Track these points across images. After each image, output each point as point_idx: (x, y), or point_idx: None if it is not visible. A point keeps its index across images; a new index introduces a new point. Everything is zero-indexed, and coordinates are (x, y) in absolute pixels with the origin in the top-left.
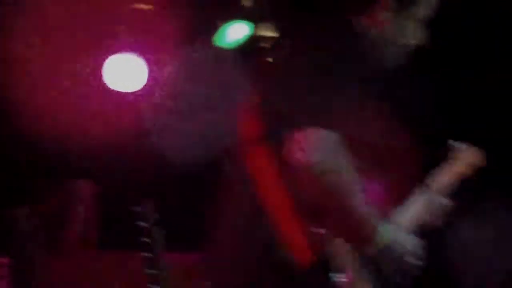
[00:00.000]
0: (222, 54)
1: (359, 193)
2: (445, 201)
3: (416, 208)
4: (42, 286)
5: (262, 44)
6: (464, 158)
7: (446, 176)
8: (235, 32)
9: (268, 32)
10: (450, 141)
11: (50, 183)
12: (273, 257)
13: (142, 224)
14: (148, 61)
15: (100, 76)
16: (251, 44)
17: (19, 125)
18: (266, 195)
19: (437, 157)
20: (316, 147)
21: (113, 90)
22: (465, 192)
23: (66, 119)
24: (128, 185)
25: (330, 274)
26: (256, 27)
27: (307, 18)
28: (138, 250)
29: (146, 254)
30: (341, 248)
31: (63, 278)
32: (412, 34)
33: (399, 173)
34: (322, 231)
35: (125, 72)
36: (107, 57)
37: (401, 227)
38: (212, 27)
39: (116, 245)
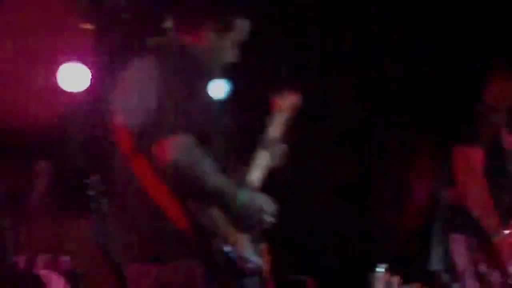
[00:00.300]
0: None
1: (213, 172)
2: (281, 146)
3: (262, 162)
4: (10, 245)
5: None
6: (286, 105)
7: (277, 124)
8: None
9: None
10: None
11: (18, 163)
12: (161, 228)
13: (91, 193)
14: (90, 68)
15: (55, 79)
16: None
17: None
18: (148, 185)
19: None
20: (174, 148)
21: (64, 90)
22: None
23: (30, 112)
24: (79, 163)
25: (211, 238)
26: None
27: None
28: (88, 213)
29: (94, 217)
30: (215, 217)
31: (27, 238)
32: (228, 53)
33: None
34: (196, 205)
35: (73, 77)
36: (60, 64)
37: (255, 186)
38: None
39: (70, 210)
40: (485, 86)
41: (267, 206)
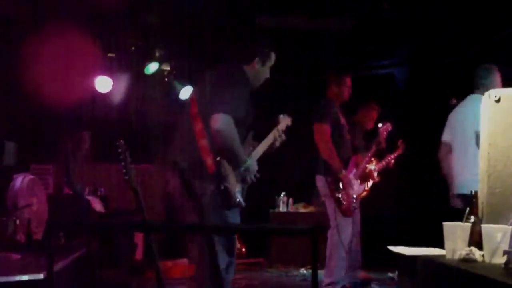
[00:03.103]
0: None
1: (239, 143)
2: (283, 137)
3: (264, 145)
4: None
5: (164, 72)
6: (284, 123)
7: (282, 125)
8: (153, 67)
9: (166, 67)
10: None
11: (69, 133)
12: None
13: (120, 150)
14: (112, 79)
15: (93, 85)
16: (160, 72)
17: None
18: (201, 135)
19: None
20: (221, 121)
21: (98, 91)
22: None
23: (75, 107)
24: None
25: (222, 180)
26: (160, 65)
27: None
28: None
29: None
30: (228, 167)
31: (80, 176)
32: (266, 74)
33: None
34: (219, 159)
35: (103, 83)
36: (96, 76)
37: (255, 158)
38: (141, 65)
39: (104, 159)
40: (327, 87)
41: (256, 172)
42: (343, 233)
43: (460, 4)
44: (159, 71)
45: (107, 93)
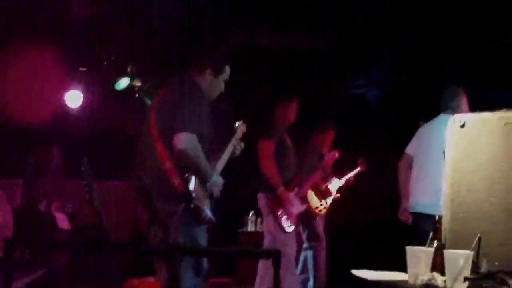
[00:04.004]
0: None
1: (204, 159)
2: (241, 145)
3: (226, 156)
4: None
5: (135, 88)
6: (241, 131)
7: (239, 133)
8: (123, 83)
9: (137, 82)
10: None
11: (38, 147)
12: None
13: (82, 168)
14: (82, 92)
15: (63, 99)
16: (130, 88)
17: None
18: (164, 156)
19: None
20: (184, 140)
21: (67, 105)
22: None
23: (46, 121)
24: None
25: (191, 199)
26: (131, 80)
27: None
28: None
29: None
30: (195, 184)
31: (44, 191)
32: (220, 87)
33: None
34: (188, 175)
35: (74, 98)
36: (66, 91)
37: (219, 170)
38: (112, 80)
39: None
40: (275, 109)
41: (221, 186)
42: (288, 248)
43: (430, 26)
44: (130, 87)
45: (78, 107)
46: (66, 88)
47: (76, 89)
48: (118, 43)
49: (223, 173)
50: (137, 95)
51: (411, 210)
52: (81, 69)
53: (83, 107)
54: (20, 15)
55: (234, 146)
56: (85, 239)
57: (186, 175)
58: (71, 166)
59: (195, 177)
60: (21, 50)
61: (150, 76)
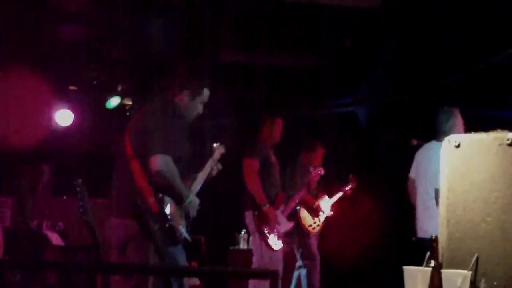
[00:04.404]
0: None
1: (179, 180)
2: (218, 166)
3: (202, 177)
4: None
5: (126, 106)
6: (219, 152)
7: (216, 155)
8: (114, 101)
9: (128, 101)
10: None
11: (27, 166)
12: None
13: (78, 189)
14: (73, 112)
15: (52, 118)
16: (121, 106)
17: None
18: (140, 177)
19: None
20: (160, 162)
21: (58, 124)
22: None
23: (37, 138)
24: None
25: (166, 219)
26: (122, 99)
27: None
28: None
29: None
30: (170, 204)
31: (37, 208)
32: (197, 109)
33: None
34: (161, 196)
35: (64, 117)
36: (56, 110)
37: (195, 191)
38: (103, 99)
39: (64, 193)
40: (261, 126)
41: (198, 206)
42: (274, 265)
43: (421, 42)
44: (121, 105)
45: (68, 126)
46: (56, 107)
47: (66, 108)
48: (107, 62)
49: (214, 191)
50: (128, 114)
51: (418, 235)
52: (71, 88)
53: (73, 125)
54: (11, 36)
55: (211, 167)
56: (80, 259)
57: (160, 195)
58: (61, 184)
59: (170, 198)
60: (11, 69)
61: (141, 94)
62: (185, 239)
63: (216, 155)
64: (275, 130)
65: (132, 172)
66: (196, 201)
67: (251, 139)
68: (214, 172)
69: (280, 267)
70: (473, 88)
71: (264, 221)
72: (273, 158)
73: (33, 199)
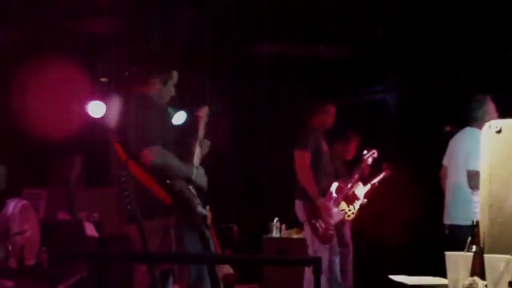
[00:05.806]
0: None
1: (178, 161)
2: (208, 142)
3: (199, 152)
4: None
5: None
6: (204, 114)
7: (201, 129)
8: None
9: None
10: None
11: (61, 158)
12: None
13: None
14: (106, 104)
15: (85, 109)
16: None
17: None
18: (142, 175)
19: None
20: (152, 155)
21: (90, 116)
22: None
23: (69, 131)
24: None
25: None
26: None
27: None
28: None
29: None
30: (181, 186)
31: (68, 201)
32: (171, 92)
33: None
34: (169, 182)
35: (96, 108)
36: (89, 101)
37: (198, 163)
38: None
39: (97, 184)
40: (311, 115)
41: (204, 176)
42: (320, 254)
43: (452, 31)
44: None
45: (101, 117)
46: (89, 99)
47: (98, 99)
48: (139, 55)
49: (247, 182)
50: None
51: (444, 222)
52: (102, 79)
53: (106, 116)
54: (45, 30)
55: (200, 142)
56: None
57: (168, 181)
58: (94, 175)
59: (180, 182)
60: (45, 62)
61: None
62: (205, 217)
63: (202, 122)
64: (327, 117)
65: (135, 175)
66: (201, 171)
67: (300, 130)
68: (205, 150)
69: (325, 257)
70: (506, 75)
71: (314, 213)
72: (325, 146)
73: (66, 190)
